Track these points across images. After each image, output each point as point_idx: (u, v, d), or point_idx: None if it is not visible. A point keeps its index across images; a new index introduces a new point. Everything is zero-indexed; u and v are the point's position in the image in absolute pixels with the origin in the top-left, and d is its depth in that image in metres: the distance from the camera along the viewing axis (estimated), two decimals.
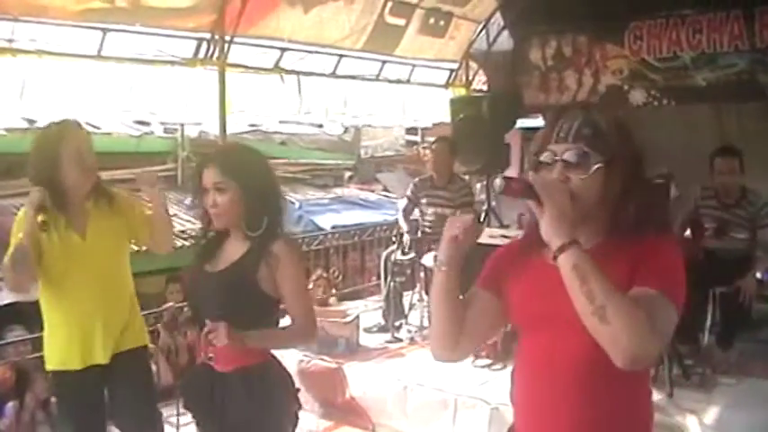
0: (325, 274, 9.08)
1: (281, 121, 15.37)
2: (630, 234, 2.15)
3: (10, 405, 6.04)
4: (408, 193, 7.98)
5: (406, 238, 7.53)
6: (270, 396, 3.21)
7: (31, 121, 11.20)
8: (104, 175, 4.29)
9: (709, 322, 6.26)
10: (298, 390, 3.43)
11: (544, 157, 2.19)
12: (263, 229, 3.18)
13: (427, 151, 10.42)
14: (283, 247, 3.19)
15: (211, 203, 3.18)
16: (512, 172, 8.67)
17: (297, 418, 3.38)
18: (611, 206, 2.16)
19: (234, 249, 3.26)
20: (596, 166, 2.12)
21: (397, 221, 8.22)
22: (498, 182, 2.07)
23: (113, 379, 4.03)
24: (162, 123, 13.72)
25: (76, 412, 4.04)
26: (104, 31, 6.91)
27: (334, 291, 9.33)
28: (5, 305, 7.86)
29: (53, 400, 5.86)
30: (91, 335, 3.94)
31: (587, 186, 2.12)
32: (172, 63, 7.66)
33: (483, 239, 2.41)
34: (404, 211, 7.91)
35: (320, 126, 16.63)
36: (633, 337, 1.92)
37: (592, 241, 2.17)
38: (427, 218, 7.80)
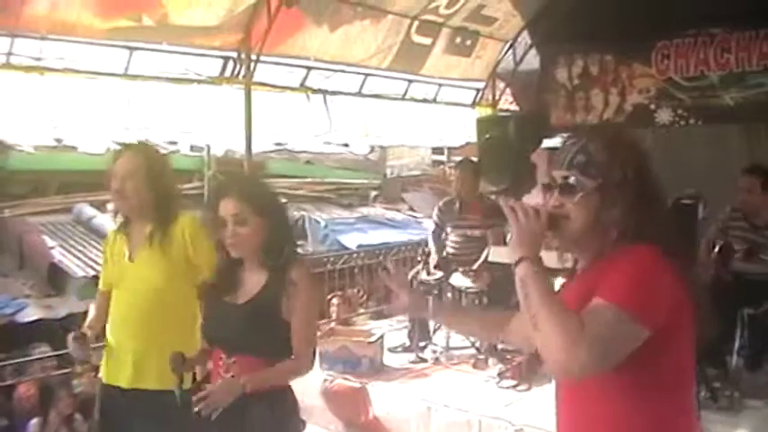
0: (340, 293, 9.05)
1: (307, 140, 15.41)
2: (612, 252, 2.19)
3: (34, 422, 6.05)
4: (434, 218, 7.92)
5: (433, 258, 7.50)
6: (283, 423, 3.21)
7: (58, 140, 11.27)
8: None
9: (737, 345, 6.17)
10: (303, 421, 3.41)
11: (546, 180, 2.30)
12: (284, 258, 3.18)
13: (452, 171, 10.40)
14: (299, 272, 3.19)
15: (231, 234, 3.15)
16: (537, 191, 8.64)
17: None
18: (604, 229, 2.21)
19: (253, 279, 3.23)
20: (583, 194, 2.19)
21: (422, 241, 8.19)
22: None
23: (141, 413, 3.85)
24: (188, 142, 13.77)
25: (102, 425, 4.03)
26: (131, 49, 6.96)
27: (362, 310, 9.31)
28: (30, 322, 7.87)
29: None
30: (121, 354, 3.90)
31: (579, 211, 2.20)
32: (198, 81, 7.69)
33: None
34: (433, 233, 7.86)
35: (346, 145, 16.64)
36: (562, 345, 1.96)
37: (589, 262, 2.28)
38: (452, 239, 7.74)
